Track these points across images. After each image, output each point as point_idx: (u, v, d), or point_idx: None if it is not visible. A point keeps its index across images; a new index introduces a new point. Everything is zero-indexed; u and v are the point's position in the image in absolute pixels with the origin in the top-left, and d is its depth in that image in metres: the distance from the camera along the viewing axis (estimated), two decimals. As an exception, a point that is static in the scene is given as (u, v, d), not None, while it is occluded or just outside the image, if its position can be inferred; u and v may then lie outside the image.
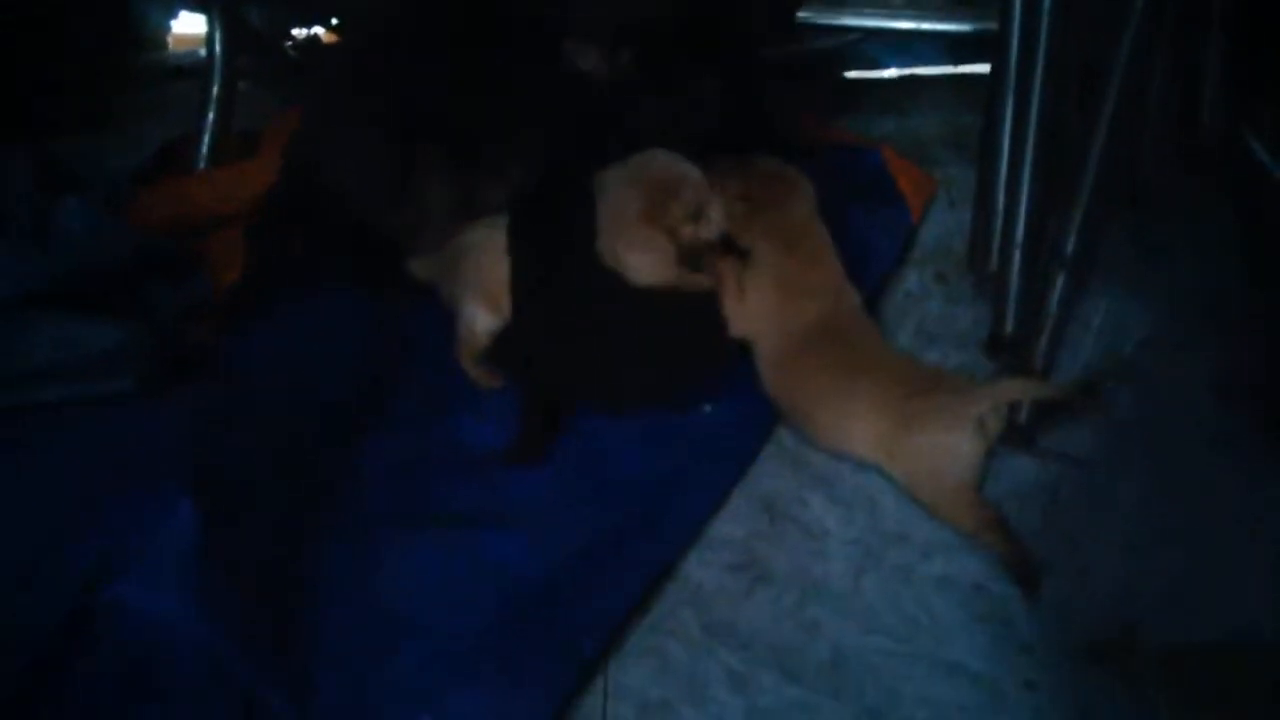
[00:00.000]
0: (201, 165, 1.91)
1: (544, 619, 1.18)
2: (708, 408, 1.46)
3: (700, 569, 1.26)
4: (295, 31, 2.32)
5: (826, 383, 1.35)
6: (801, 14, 1.96)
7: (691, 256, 1.42)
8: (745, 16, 1.57)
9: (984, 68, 1.73)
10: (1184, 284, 1.62)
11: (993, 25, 1.55)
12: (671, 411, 1.45)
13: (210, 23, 1.94)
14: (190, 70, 2.29)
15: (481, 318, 1.47)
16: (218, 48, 1.92)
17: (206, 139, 1.91)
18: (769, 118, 1.63)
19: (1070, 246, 1.30)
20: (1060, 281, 1.32)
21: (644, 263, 1.41)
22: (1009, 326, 1.43)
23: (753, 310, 1.41)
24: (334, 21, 2.27)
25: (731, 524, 1.32)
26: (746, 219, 1.43)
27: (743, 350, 1.43)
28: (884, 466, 1.33)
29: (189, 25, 2.48)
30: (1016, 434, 1.37)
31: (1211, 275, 1.62)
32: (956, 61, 2.20)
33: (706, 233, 1.40)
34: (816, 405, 1.36)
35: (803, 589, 1.23)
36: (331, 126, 1.64)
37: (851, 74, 2.21)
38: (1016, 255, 1.40)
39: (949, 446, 1.27)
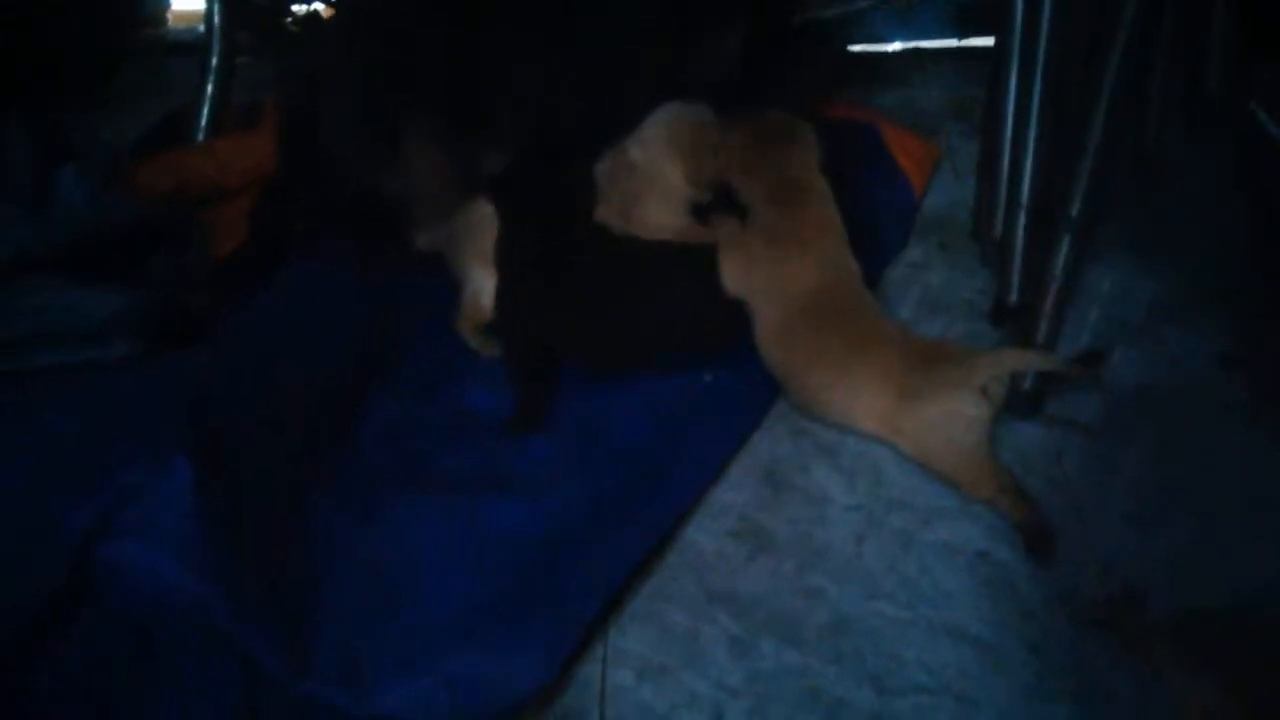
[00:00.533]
0: (201, 137, 1.91)
1: (544, 583, 1.17)
2: (708, 376, 1.45)
3: (701, 535, 1.26)
4: (295, 7, 2.31)
5: (828, 359, 1.33)
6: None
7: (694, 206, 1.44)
8: None
9: (987, 41, 1.72)
10: (1190, 252, 1.60)
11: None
12: (661, 374, 1.45)
13: (209, -7, 1.94)
14: (190, 47, 2.28)
15: (487, 287, 1.47)
16: (216, 19, 1.91)
17: (206, 111, 1.91)
18: (785, 79, 1.61)
19: (1075, 210, 1.29)
20: (1065, 246, 1.30)
21: (662, 211, 1.41)
22: (1014, 294, 1.42)
23: (750, 270, 1.40)
24: (331, -2, 2.27)
25: (733, 491, 1.31)
26: (746, 173, 1.42)
27: (742, 317, 1.41)
28: (894, 441, 1.32)
29: (189, 2, 2.48)
30: (1022, 401, 1.36)
31: (1218, 243, 1.61)
32: (960, 35, 2.19)
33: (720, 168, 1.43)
34: (819, 382, 1.35)
35: (804, 556, 1.23)
36: (322, 96, 1.63)
37: (856, 47, 2.20)
38: (1021, 219, 1.38)
39: (956, 415, 1.26)
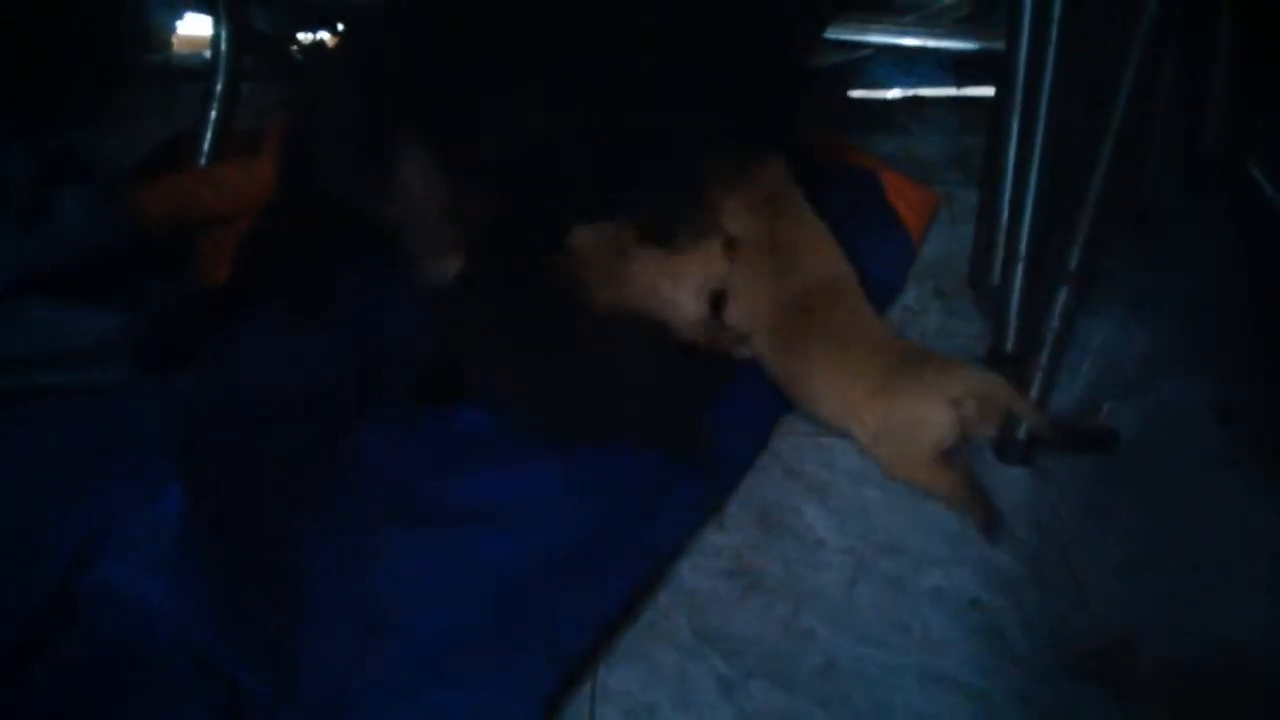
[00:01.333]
0: (203, 162, 1.91)
1: (532, 619, 1.16)
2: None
3: (693, 575, 1.25)
4: (300, 34, 2.33)
5: (810, 351, 1.38)
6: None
7: None
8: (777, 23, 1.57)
9: (987, 90, 1.74)
10: (1185, 305, 1.61)
11: (999, 44, 1.54)
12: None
13: (216, 22, 1.95)
14: (194, 72, 2.29)
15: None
16: (222, 45, 1.92)
17: (209, 135, 1.92)
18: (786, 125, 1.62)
19: (1074, 261, 1.29)
20: (1063, 297, 1.31)
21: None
22: (1010, 343, 1.42)
23: (743, 286, 1.45)
24: (339, 26, 2.28)
25: (726, 531, 1.31)
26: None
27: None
28: (853, 432, 1.35)
29: (194, 27, 2.49)
30: (1015, 449, 1.36)
31: (1213, 297, 1.62)
32: (960, 83, 2.21)
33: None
34: (800, 371, 1.39)
35: (796, 597, 1.22)
36: (321, 122, 1.64)
37: (856, 93, 2.22)
38: (1019, 270, 1.39)
39: (918, 419, 1.29)
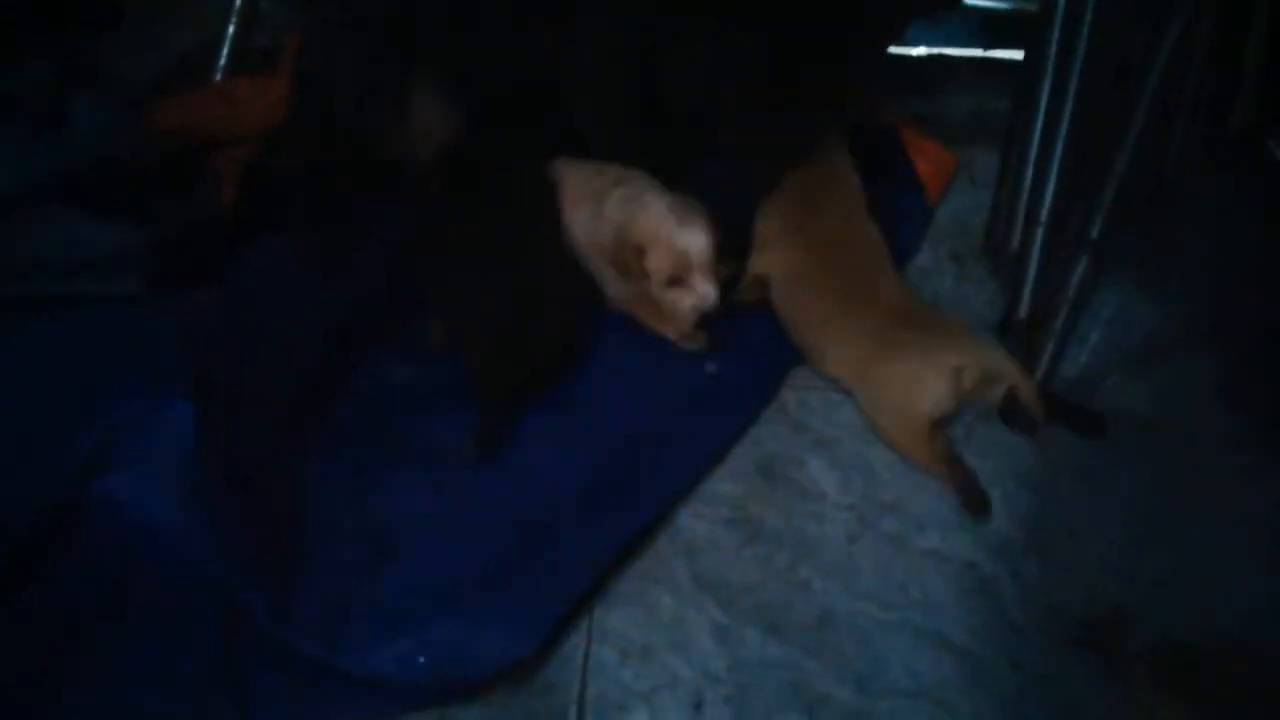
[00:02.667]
0: (219, 78, 1.89)
1: (533, 557, 1.17)
2: (711, 366, 1.44)
3: (695, 522, 1.26)
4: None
5: (824, 306, 1.38)
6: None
7: None
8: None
9: (1015, 53, 1.72)
10: (1197, 282, 1.60)
11: (1030, 5, 1.52)
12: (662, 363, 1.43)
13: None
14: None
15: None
16: (243, -41, 1.89)
17: (226, 51, 1.88)
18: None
19: (1095, 231, 1.29)
20: (1082, 266, 1.30)
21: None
22: (1024, 309, 1.42)
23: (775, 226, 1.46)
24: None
25: (729, 481, 1.31)
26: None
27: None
28: (857, 390, 1.36)
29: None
30: (1020, 417, 1.36)
31: (1226, 276, 1.61)
32: (986, 45, 2.18)
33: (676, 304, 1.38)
34: (810, 323, 1.40)
35: (795, 550, 1.23)
36: (337, 51, 1.62)
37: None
38: (1039, 235, 1.38)
39: (916, 380, 1.29)
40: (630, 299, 1.43)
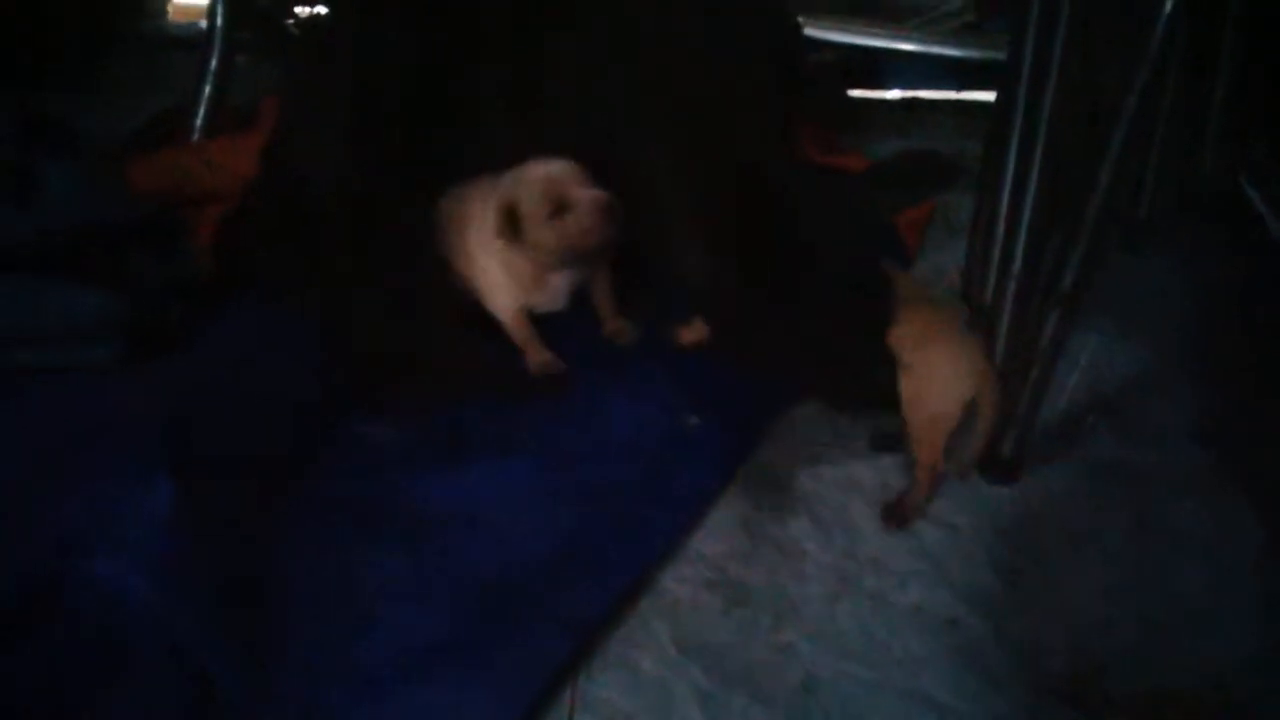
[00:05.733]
0: (195, 137, 1.90)
1: (511, 622, 1.17)
2: (693, 419, 1.45)
3: (676, 584, 1.25)
4: (298, 9, 2.30)
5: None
6: (810, 30, 1.96)
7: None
8: None
9: (985, 95, 1.73)
10: (1172, 326, 1.62)
11: (1000, 55, 1.53)
12: (643, 414, 1.45)
13: (214, -6, 1.92)
14: (188, 41, 2.27)
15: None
16: (219, 20, 1.90)
17: (202, 110, 1.90)
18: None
19: (1068, 283, 1.30)
20: (1055, 318, 1.31)
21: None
22: (999, 359, 1.42)
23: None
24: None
25: (710, 540, 1.31)
26: None
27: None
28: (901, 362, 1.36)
29: (189, -5, 2.46)
30: (1000, 467, 1.37)
31: (1201, 319, 1.63)
32: (959, 87, 2.20)
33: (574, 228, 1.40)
34: None
35: (778, 611, 1.22)
36: (300, 117, 1.63)
37: (856, 92, 2.21)
38: (1011, 287, 1.38)
39: (958, 362, 1.33)
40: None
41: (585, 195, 1.37)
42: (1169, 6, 1.05)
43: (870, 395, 1.40)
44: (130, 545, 1.09)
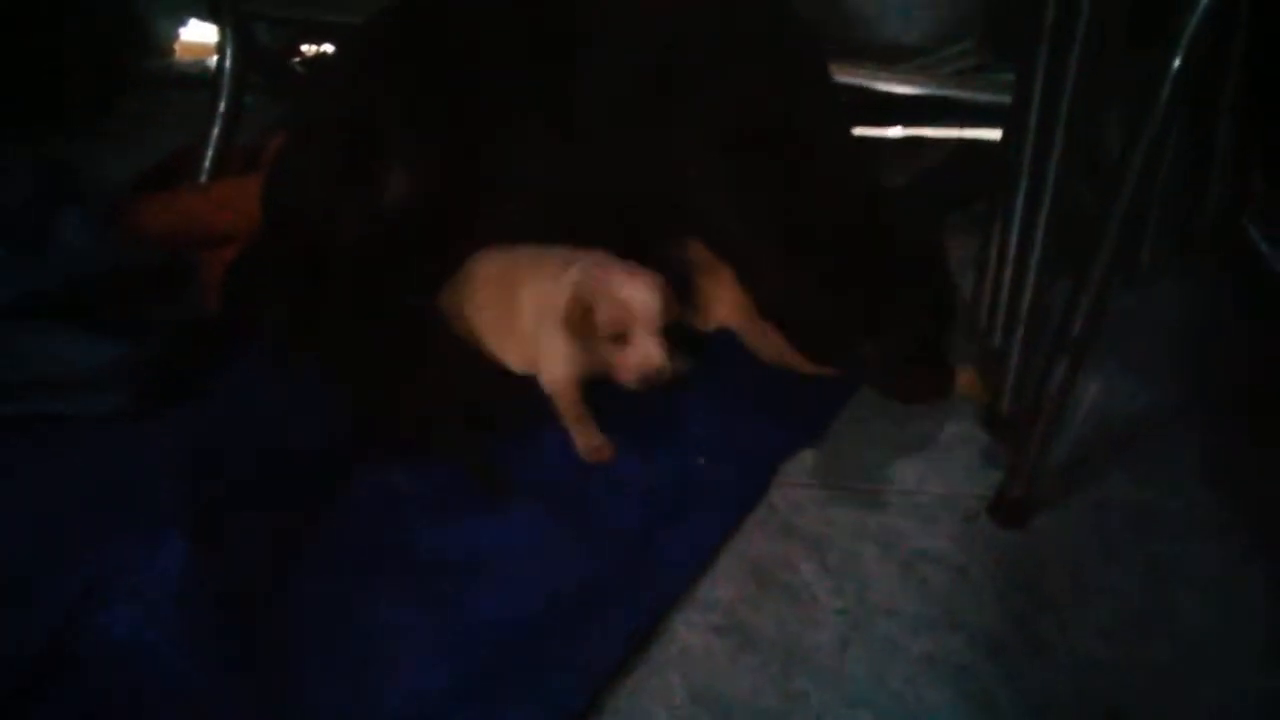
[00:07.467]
0: (204, 178, 1.90)
1: (524, 674, 1.16)
2: (701, 460, 1.45)
3: (687, 631, 1.25)
4: (304, 48, 2.32)
5: None
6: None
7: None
8: None
9: (989, 133, 1.74)
10: (1178, 366, 1.62)
11: (1004, 98, 1.54)
12: (650, 456, 1.45)
13: (221, 36, 1.94)
14: (195, 79, 2.28)
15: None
16: (228, 62, 1.91)
17: (210, 152, 1.91)
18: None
19: (1076, 329, 1.30)
20: (1064, 365, 1.31)
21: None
22: (1005, 405, 1.43)
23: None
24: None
25: (720, 585, 1.30)
26: None
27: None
28: None
29: (197, 34, 2.48)
30: (1008, 510, 1.37)
31: (1206, 359, 1.63)
32: (962, 125, 2.21)
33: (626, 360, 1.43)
34: None
35: (788, 658, 1.22)
36: (298, 156, 1.64)
37: (857, 130, 2.21)
38: (1020, 332, 1.39)
39: None
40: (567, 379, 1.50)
41: (644, 348, 1.41)
42: (1178, 61, 1.05)
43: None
44: (143, 602, 1.10)
